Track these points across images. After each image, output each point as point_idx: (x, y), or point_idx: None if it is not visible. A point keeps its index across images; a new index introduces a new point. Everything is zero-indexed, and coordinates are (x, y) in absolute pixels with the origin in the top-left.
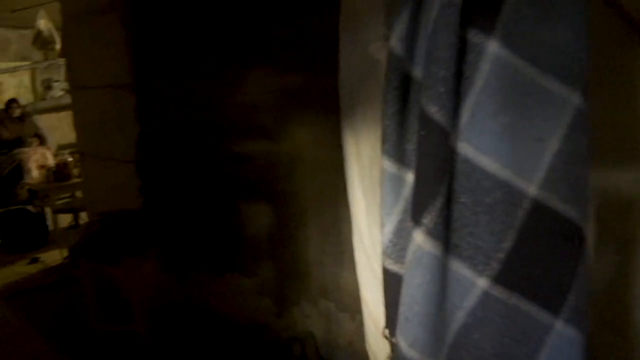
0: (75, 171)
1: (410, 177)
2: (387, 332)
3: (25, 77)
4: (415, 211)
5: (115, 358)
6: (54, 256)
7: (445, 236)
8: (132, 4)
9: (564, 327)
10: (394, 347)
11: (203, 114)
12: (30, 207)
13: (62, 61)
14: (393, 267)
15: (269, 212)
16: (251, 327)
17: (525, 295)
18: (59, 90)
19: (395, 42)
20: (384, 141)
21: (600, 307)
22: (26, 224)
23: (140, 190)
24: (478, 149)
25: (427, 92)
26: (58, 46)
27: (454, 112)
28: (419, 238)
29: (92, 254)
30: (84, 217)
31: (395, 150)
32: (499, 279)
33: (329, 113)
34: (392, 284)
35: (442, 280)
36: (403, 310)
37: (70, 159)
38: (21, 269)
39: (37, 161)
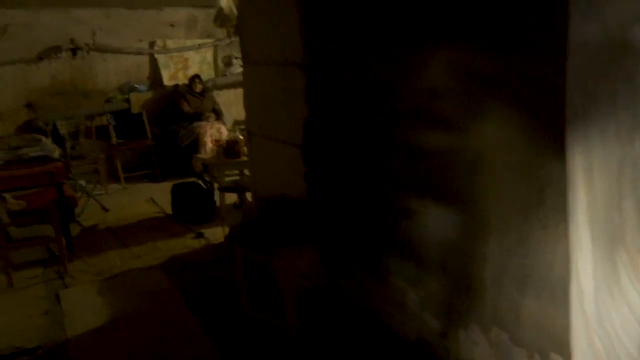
0: (245, 149)
1: None
2: None
3: (208, 54)
4: None
5: (259, 347)
6: (217, 233)
7: None
8: None
9: None
10: None
11: (377, 99)
12: (200, 182)
13: None
14: None
15: (443, 216)
16: (407, 340)
17: None
18: (238, 66)
19: None
20: None
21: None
22: (196, 198)
23: (305, 177)
24: None
25: None
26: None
27: None
28: None
29: (248, 241)
30: (249, 196)
31: None
32: None
33: (530, 110)
34: None
35: None
36: None
37: (241, 137)
38: (186, 242)
39: (213, 135)
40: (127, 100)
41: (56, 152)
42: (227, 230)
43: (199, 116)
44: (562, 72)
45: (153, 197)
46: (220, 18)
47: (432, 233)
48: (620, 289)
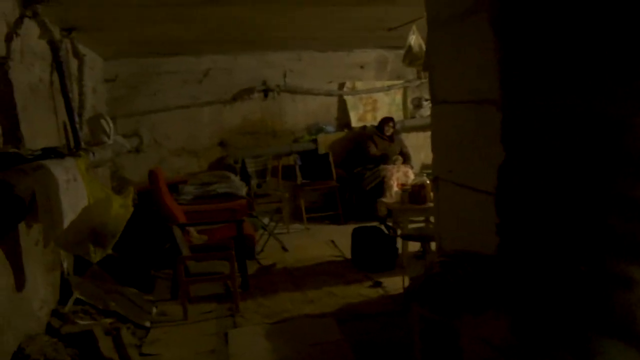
0: (431, 195)
1: None
2: None
3: (397, 96)
4: None
5: None
6: (396, 283)
7: None
8: (502, 1)
9: None
10: None
11: (593, 142)
12: (383, 227)
13: None
14: None
15: None
16: None
17: None
18: (428, 109)
19: None
20: None
21: None
22: (377, 244)
23: (498, 229)
24: None
25: None
26: None
27: None
28: None
29: (428, 299)
30: (433, 246)
31: None
32: None
33: None
34: None
35: None
36: None
37: (427, 181)
38: (363, 291)
39: (399, 179)
40: (315, 141)
41: (243, 190)
42: (407, 281)
43: (385, 159)
44: None
45: (334, 240)
46: (409, 57)
47: None
48: None
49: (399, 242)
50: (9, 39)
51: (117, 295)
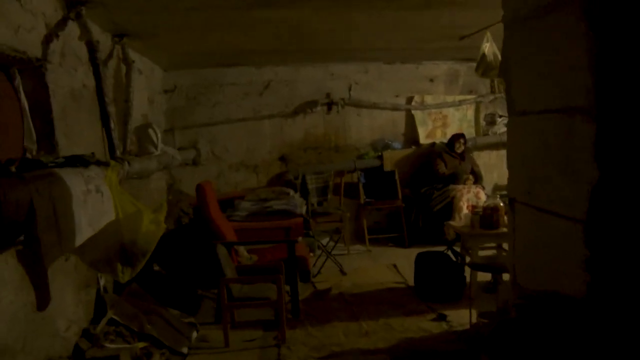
0: (506, 219)
1: None
2: None
3: (469, 111)
4: None
5: None
6: (462, 317)
7: None
8: None
9: None
10: None
11: None
12: (450, 253)
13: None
14: None
15: None
16: None
17: None
18: (502, 125)
19: None
20: None
21: None
22: (442, 272)
23: (587, 265)
24: None
25: None
26: None
27: None
28: None
29: (500, 353)
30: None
31: None
32: None
33: None
34: None
35: None
36: None
37: (501, 204)
38: (424, 324)
39: (469, 200)
40: (380, 157)
41: (302, 207)
42: (475, 316)
43: (455, 178)
44: None
45: (396, 264)
46: (483, 66)
47: None
48: None
49: (467, 271)
50: (47, 40)
51: (156, 316)
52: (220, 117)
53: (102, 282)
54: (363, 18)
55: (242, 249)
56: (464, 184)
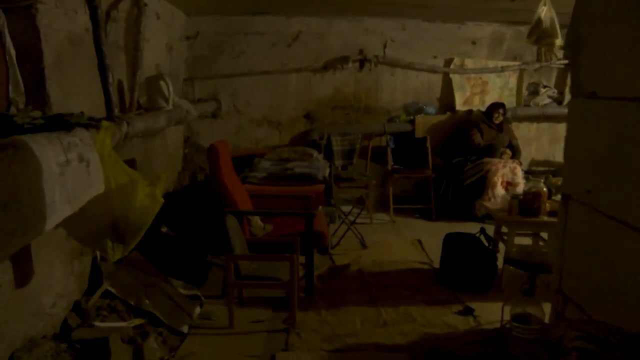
0: (547, 206)
1: None
2: None
3: (511, 79)
4: None
5: None
6: (492, 312)
7: None
8: None
9: None
10: None
11: None
12: (482, 237)
13: (556, 64)
14: None
15: None
16: None
17: None
18: (546, 97)
19: None
20: None
21: None
22: (472, 258)
23: None
24: None
25: None
26: (558, 41)
27: None
28: None
29: None
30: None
31: None
32: None
33: None
34: None
35: None
36: None
37: (544, 189)
38: (449, 318)
39: (505, 176)
40: (412, 122)
41: (325, 170)
42: (506, 312)
43: (491, 151)
44: None
45: (421, 240)
46: (537, 32)
47: None
48: None
49: (500, 258)
50: None
51: (157, 289)
52: (244, 68)
53: None
54: None
55: (255, 217)
56: (500, 157)
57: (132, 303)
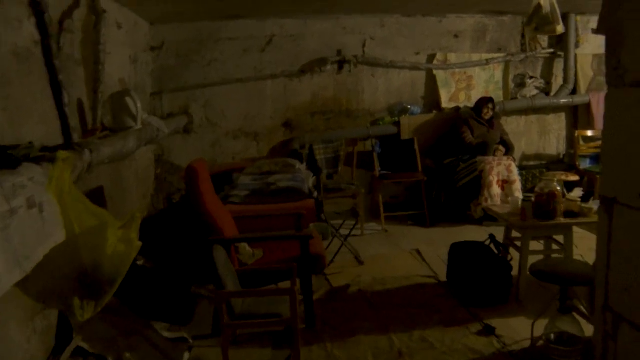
0: (562, 206)
1: None
2: None
3: (497, 72)
4: None
5: None
6: (515, 329)
7: None
8: None
9: None
10: None
11: None
12: (492, 245)
13: (542, 54)
14: None
15: None
16: None
17: None
18: (533, 88)
19: None
20: None
21: None
22: (485, 270)
23: None
24: None
25: None
26: (560, 28)
27: None
28: None
29: None
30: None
31: None
32: None
33: None
34: None
35: None
36: None
37: (558, 188)
38: (470, 341)
39: (500, 174)
40: (397, 124)
41: (310, 181)
42: (536, 329)
43: (483, 149)
44: None
45: (419, 250)
46: (537, 20)
47: None
48: None
49: (514, 266)
50: None
51: (139, 337)
52: (215, 77)
53: None
54: None
55: (243, 243)
56: (494, 155)
57: (110, 358)
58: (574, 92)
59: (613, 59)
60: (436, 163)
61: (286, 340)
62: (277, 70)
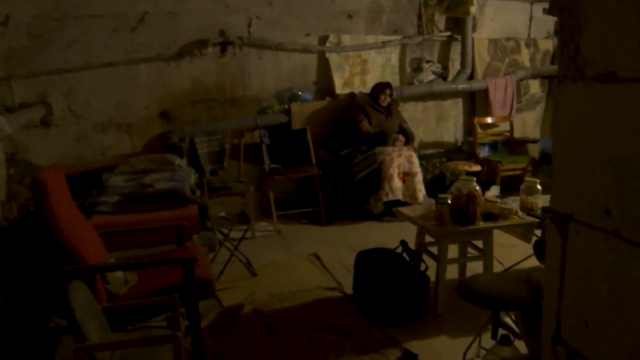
0: (480, 207)
1: None
2: None
3: (393, 55)
4: None
5: None
6: (440, 351)
7: None
8: None
9: None
10: None
11: None
12: (404, 253)
13: (439, 37)
14: None
15: None
16: None
17: None
18: (430, 72)
19: None
20: None
21: None
22: (400, 284)
23: None
24: None
25: None
26: (473, 8)
27: None
28: None
29: None
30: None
31: None
32: None
33: None
34: None
35: None
36: None
37: (477, 188)
38: None
39: (401, 166)
40: (287, 112)
41: (192, 178)
42: (453, 346)
43: (382, 138)
44: None
45: (318, 254)
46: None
47: None
48: None
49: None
50: None
51: None
52: (79, 61)
53: None
54: None
55: (111, 276)
56: (393, 145)
57: None
58: (471, 77)
59: (569, 47)
60: (331, 155)
61: None
62: (151, 52)
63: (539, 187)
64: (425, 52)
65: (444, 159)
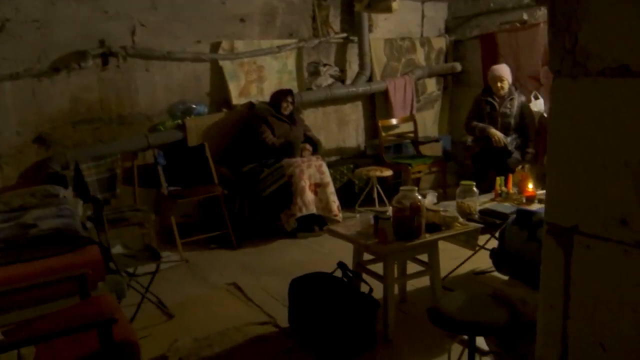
0: (425, 219)
1: None
2: None
3: (289, 60)
4: None
5: None
6: None
7: None
8: None
9: None
10: None
11: None
12: (342, 275)
13: (335, 39)
14: None
15: None
16: None
17: None
18: (328, 76)
19: None
20: None
21: None
22: (344, 313)
23: None
24: None
25: None
26: (395, 4)
27: None
28: None
29: None
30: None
31: None
32: None
33: None
34: None
35: None
36: None
37: (420, 199)
38: None
39: (312, 177)
40: (182, 128)
41: (79, 210)
42: None
43: (288, 149)
44: None
45: (237, 283)
46: None
47: None
48: None
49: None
50: None
51: None
52: None
53: None
54: None
55: None
56: (301, 155)
57: None
58: (370, 79)
59: (565, 38)
60: (234, 171)
61: None
62: (17, 68)
63: (475, 189)
64: (321, 55)
65: (351, 166)
